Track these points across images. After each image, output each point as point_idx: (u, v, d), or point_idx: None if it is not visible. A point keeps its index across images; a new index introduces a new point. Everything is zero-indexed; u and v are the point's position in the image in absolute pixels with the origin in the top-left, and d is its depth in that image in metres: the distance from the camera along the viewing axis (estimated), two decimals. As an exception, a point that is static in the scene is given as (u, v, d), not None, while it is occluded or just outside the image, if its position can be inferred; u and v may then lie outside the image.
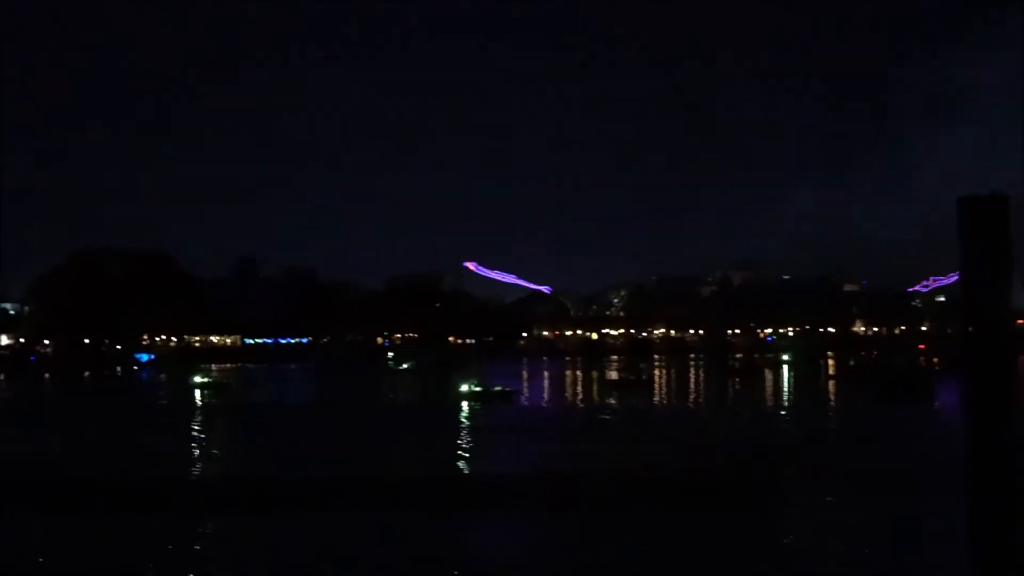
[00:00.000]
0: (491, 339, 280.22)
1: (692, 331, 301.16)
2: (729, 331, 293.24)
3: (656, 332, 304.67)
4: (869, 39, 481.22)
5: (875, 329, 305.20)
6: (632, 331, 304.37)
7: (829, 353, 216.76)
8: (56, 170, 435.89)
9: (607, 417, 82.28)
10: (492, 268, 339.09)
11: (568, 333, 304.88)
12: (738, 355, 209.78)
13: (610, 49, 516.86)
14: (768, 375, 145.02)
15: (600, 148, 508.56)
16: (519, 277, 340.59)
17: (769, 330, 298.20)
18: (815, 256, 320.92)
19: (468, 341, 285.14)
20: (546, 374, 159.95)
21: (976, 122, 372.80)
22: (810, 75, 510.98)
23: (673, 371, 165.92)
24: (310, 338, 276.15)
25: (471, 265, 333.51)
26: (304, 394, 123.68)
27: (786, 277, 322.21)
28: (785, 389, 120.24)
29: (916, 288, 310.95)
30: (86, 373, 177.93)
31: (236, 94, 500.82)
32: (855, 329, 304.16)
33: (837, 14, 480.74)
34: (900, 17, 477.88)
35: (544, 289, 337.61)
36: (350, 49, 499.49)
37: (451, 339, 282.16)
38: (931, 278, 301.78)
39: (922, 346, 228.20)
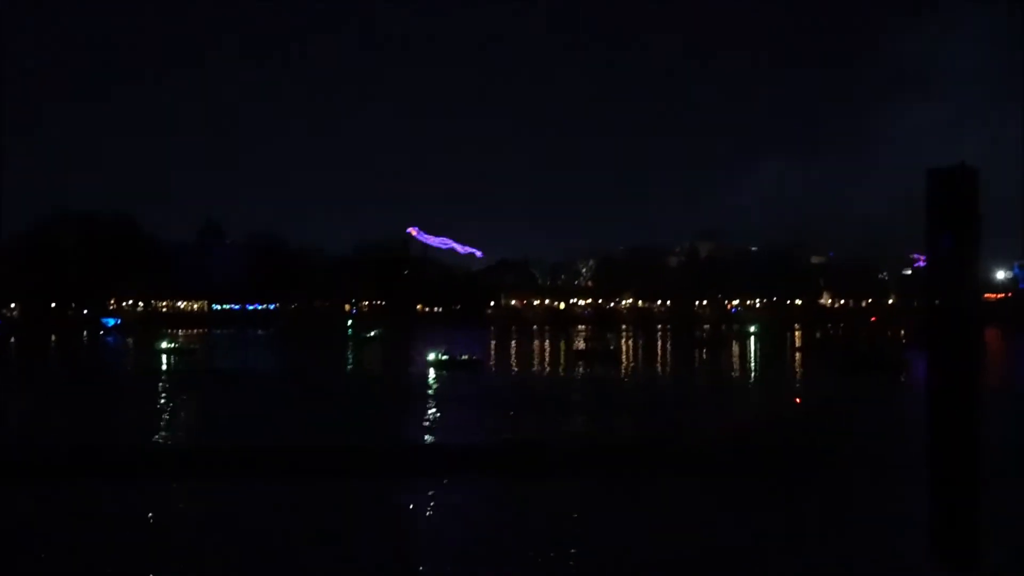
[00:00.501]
0: (458, 307, 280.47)
1: (659, 302, 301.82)
2: (696, 302, 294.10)
3: (623, 302, 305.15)
4: (841, 14, 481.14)
5: (842, 301, 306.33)
6: (600, 301, 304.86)
7: (796, 325, 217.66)
8: (21, 134, 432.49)
9: (580, 386, 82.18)
10: (435, 234, 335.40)
11: (536, 302, 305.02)
12: (705, 326, 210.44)
13: (578, 18, 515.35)
14: (735, 347, 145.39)
15: (568, 117, 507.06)
16: (458, 242, 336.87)
17: (736, 301, 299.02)
18: (782, 227, 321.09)
19: (436, 309, 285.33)
20: (513, 343, 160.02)
21: (947, 97, 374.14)
22: (780, 49, 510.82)
23: (640, 342, 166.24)
24: (278, 304, 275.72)
25: (413, 231, 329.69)
26: (270, 361, 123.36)
27: (753, 248, 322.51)
28: (753, 361, 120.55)
29: (915, 267, 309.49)
30: (52, 337, 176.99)
31: (211, 65, 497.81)
32: (822, 301, 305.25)
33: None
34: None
35: (477, 253, 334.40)
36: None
37: (419, 307, 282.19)
38: (915, 255, 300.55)
39: (874, 318, 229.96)
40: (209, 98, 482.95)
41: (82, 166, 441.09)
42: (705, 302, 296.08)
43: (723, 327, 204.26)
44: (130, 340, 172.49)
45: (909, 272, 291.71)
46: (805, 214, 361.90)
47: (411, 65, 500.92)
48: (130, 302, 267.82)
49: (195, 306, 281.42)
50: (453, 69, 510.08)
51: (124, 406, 67.79)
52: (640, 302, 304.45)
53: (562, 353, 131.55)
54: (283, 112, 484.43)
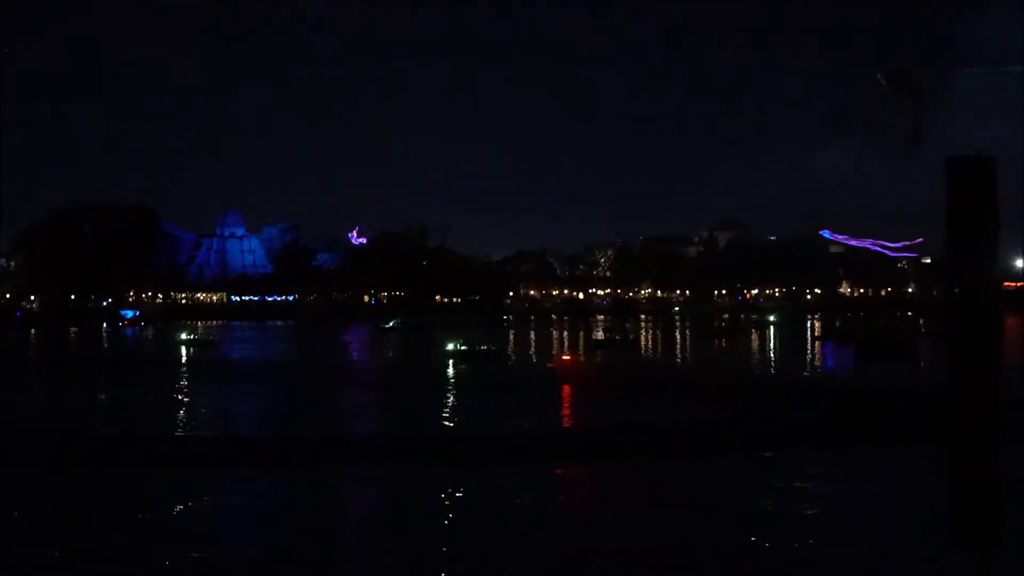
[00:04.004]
0: (477, 298, 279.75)
1: (678, 292, 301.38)
2: (715, 292, 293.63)
3: (642, 292, 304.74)
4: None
5: (861, 290, 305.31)
6: (618, 291, 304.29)
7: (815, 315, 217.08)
8: (41, 124, 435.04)
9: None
10: None
11: (555, 292, 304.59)
12: (724, 316, 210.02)
13: (607, 7, 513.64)
14: (754, 336, 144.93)
15: (588, 105, 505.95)
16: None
17: (756, 291, 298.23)
18: (802, 216, 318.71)
19: (455, 300, 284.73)
20: (532, 333, 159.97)
21: (973, 83, 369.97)
22: (799, 36, 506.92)
23: (659, 331, 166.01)
24: (296, 296, 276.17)
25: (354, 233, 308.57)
26: (290, 352, 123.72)
27: (772, 238, 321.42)
28: (773, 349, 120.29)
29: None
30: (72, 328, 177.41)
31: (228, 51, 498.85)
32: (841, 291, 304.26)
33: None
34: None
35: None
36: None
37: (437, 298, 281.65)
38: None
39: (910, 312, 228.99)
40: (224, 88, 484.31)
41: (102, 156, 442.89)
42: (724, 291, 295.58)
43: (742, 316, 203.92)
44: (149, 332, 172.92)
45: (928, 261, 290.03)
46: (825, 203, 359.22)
47: (430, 53, 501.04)
48: (149, 294, 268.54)
49: (214, 298, 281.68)
50: (475, 58, 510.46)
51: (144, 396, 67.71)
52: (659, 292, 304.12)
53: (581, 342, 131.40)
54: (299, 103, 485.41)
